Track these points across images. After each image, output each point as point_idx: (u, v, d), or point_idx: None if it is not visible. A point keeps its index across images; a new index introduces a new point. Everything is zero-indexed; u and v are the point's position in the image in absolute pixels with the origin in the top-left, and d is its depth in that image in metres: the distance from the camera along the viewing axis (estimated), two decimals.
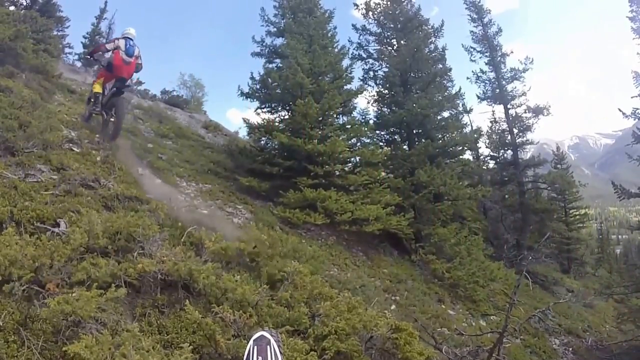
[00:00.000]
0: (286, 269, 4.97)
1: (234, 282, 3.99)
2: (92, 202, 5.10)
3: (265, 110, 15.05)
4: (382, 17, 18.92)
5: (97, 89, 8.94)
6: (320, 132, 13.27)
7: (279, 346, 2.52)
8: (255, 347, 2.47)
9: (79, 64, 23.96)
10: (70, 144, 7.58)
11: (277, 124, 14.42)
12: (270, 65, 16.05)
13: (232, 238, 5.50)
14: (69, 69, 19.05)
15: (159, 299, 3.59)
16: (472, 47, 24.04)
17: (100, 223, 4.00)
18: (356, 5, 19.53)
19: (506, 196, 23.72)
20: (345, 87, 15.15)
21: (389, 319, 4.34)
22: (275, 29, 16.50)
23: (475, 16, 23.89)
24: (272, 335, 2.55)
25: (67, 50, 22.69)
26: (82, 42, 24.08)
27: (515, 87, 23.01)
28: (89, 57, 12.73)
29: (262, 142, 15.14)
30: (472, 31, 24.06)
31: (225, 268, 4.69)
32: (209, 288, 3.80)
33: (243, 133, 21.71)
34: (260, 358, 2.42)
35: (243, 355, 2.46)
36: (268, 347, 2.47)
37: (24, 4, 17.99)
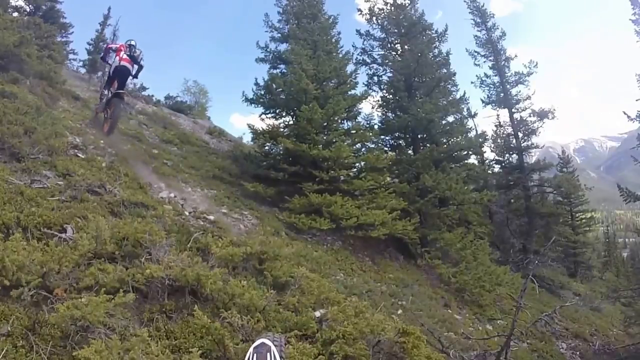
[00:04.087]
0: (293, 274, 4.95)
1: (241, 287, 3.97)
2: (98, 208, 5.10)
3: (269, 116, 15.07)
4: (386, 22, 18.90)
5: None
6: (325, 138, 13.28)
7: (279, 351, 2.50)
8: (255, 354, 2.47)
9: (83, 70, 24.04)
10: (76, 150, 7.62)
11: (281, 129, 14.44)
12: (275, 71, 16.09)
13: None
14: (73, 75, 19.18)
15: (166, 305, 3.58)
16: (476, 51, 23.95)
17: (108, 229, 4.00)
18: (360, 10, 19.57)
19: (512, 200, 23.61)
20: (349, 92, 15.17)
21: (396, 323, 4.31)
22: (279, 35, 16.57)
23: (479, 20, 23.82)
24: (273, 341, 2.54)
25: (71, 56, 22.80)
26: (86, 49, 24.08)
27: (520, 91, 22.91)
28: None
29: (266, 147, 15.11)
30: (475, 35, 23.99)
31: (232, 273, 4.68)
32: (216, 293, 3.79)
33: (247, 138, 21.76)
34: None
35: None
36: (268, 354, 2.46)
37: (28, 10, 18.10)
